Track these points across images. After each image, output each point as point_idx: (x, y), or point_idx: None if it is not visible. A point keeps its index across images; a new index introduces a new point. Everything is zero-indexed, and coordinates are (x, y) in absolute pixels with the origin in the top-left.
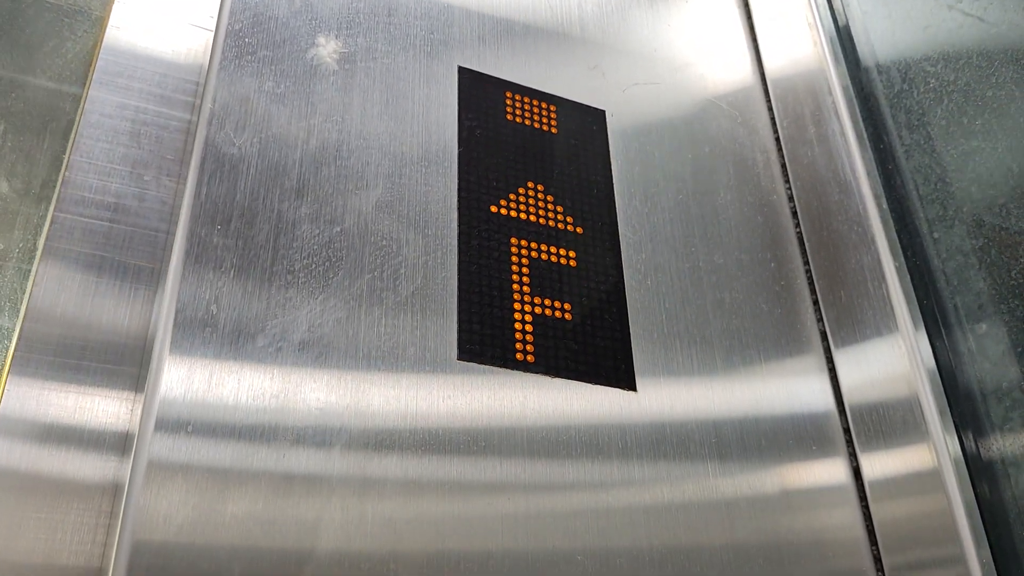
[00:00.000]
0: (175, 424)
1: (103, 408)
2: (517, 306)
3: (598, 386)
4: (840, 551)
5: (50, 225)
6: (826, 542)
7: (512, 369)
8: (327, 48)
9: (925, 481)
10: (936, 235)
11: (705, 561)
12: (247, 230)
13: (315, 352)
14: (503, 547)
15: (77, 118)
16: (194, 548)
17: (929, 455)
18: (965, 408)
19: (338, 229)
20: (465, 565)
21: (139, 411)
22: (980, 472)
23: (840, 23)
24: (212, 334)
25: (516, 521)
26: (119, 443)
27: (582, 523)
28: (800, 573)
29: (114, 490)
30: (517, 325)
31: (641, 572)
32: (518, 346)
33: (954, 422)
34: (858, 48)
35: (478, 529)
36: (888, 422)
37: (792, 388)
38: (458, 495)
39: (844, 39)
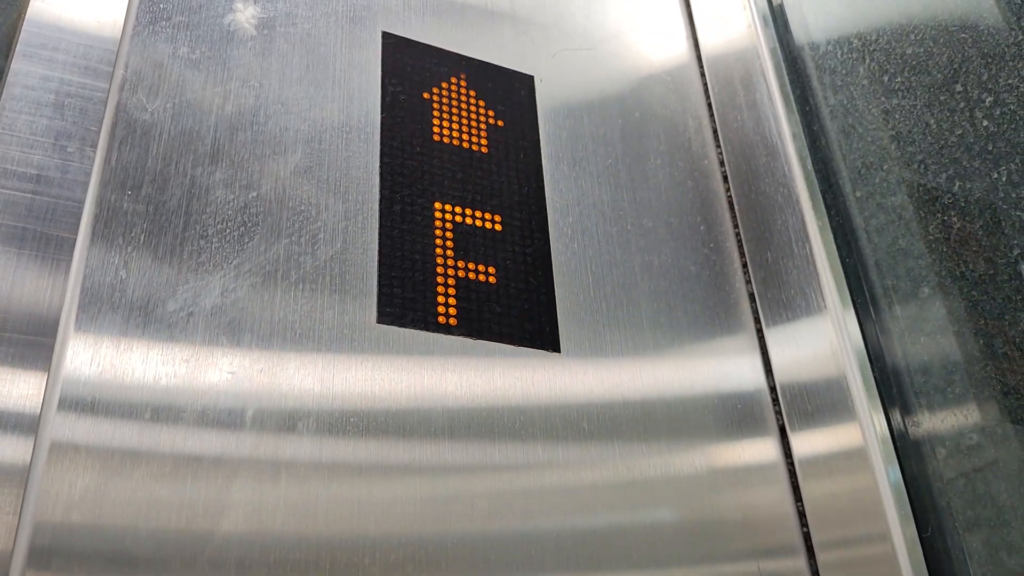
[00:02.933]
0: (79, 401)
1: (23, 381)
2: (440, 270)
3: (522, 348)
4: (770, 529)
5: None
6: (756, 520)
7: (433, 331)
8: (245, 13)
9: (853, 459)
10: (859, 193)
11: (639, 540)
12: (159, 195)
13: (228, 317)
14: (419, 530)
15: None
16: (96, 529)
17: (857, 433)
18: (893, 387)
19: (254, 194)
20: (382, 549)
21: None
22: (907, 450)
23: None
24: (121, 299)
25: (434, 503)
26: (37, 422)
27: (503, 504)
28: (729, 551)
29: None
30: (440, 289)
31: (563, 553)
32: (440, 309)
33: (881, 401)
34: (787, 11)
35: (396, 510)
36: (817, 400)
37: (724, 367)
38: (375, 472)
39: (773, 2)
